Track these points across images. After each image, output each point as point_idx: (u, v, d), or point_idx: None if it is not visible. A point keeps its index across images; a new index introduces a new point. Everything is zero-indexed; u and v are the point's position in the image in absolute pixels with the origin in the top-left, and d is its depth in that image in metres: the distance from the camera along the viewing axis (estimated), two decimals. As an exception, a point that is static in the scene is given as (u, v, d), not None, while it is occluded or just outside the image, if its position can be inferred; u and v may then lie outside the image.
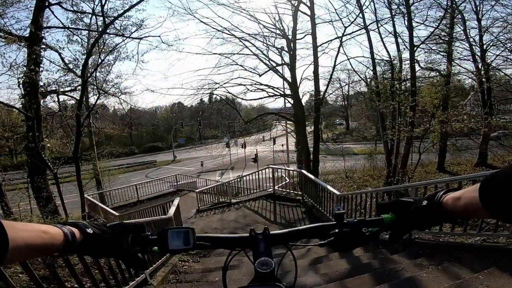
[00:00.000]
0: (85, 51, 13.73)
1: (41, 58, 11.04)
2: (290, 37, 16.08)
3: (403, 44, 16.41)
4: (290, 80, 16.50)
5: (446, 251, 4.48)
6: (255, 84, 16.73)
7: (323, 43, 16.86)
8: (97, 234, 0.95)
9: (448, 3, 15.51)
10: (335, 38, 16.72)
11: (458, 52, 17.50)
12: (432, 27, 16.19)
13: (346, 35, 16.41)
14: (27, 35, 10.60)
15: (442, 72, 17.25)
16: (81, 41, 14.39)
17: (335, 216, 1.08)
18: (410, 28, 15.36)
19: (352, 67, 18.95)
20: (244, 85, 16.78)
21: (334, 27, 21.81)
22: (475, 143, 17.93)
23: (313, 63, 16.03)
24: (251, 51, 16.69)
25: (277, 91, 17.27)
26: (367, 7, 16.59)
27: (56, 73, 13.33)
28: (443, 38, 16.58)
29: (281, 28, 16.38)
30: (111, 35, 13.63)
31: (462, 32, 16.90)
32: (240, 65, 16.91)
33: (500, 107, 20.09)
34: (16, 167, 15.52)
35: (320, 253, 5.77)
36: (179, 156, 52.61)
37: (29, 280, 2.83)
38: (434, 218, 0.96)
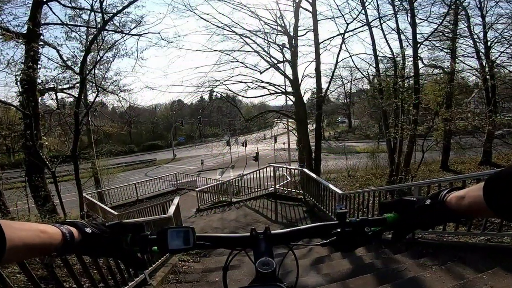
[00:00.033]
0: (83, 48, 13.70)
1: (39, 55, 11.02)
2: (291, 33, 16.04)
3: (406, 41, 16.41)
4: (291, 78, 16.47)
5: (449, 251, 4.48)
6: (256, 81, 16.70)
7: (325, 40, 16.82)
8: (95, 234, 0.95)
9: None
10: (337, 35, 16.68)
11: (462, 49, 17.46)
12: (436, 23, 16.15)
13: (348, 31, 16.34)
14: (25, 31, 10.60)
15: (445, 69, 17.21)
16: (80, 38, 14.35)
17: (337, 215, 1.08)
18: (413, 25, 15.34)
19: (354, 64, 19.04)
20: (245, 82, 16.75)
21: (336, 23, 21.73)
22: (479, 141, 17.91)
23: (314, 60, 16.00)
24: (252, 48, 16.66)
25: (278, 89, 17.25)
26: (370, 3, 16.55)
27: (54, 70, 13.29)
28: (446, 35, 16.55)
29: (283, 24, 16.35)
30: (110, 32, 13.60)
31: (466, 28, 16.85)
32: (241, 62, 16.86)
33: (505, 105, 20.09)
34: (14, 165, 15.54)
35: (322, 253, 5.78)
36: (179, 155, 52.65)
37: (27, 280, 2.84)
38: (438, 217, 0.96)
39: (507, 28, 15.78)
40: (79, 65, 12.48)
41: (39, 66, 11.24)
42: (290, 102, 18.82)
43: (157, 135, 69.60)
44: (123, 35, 13.70)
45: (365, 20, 16.25)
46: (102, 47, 13.13)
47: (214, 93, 18.86)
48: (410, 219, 1.02)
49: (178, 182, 22.54)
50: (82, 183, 14.46)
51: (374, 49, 16.62)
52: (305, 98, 18.95)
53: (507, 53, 16.25)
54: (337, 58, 16.55)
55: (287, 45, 16.44)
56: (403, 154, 16.01)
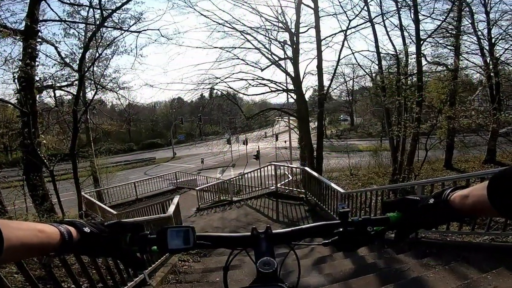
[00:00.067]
0: (82, 45, 13.71)
1: (37, 52, 11.02)
2: (293, 30, 16.03)
3: (409, 37, 16.35)
4: (293, 75, 16.46)
5: (453, 251, 4.48)
6: (257, 78, 16.73)
7: (327, 37, 16.88)
8: (94, 233, 0.95)
9: (456, -4, 15.45)
10: (339, 32, 16.72)
11: (465, 46, 17.46)
12: (439, 20, 16.11)
13: (350, 28, 16.36)
14: (23, 28, 10.58)
15: (449, 66, 17.18)
16: (78, 34, 14.39)
17: (339, 214, 1.08)
18: (417, 21, 15.29)
19: (356, 61, 19.05)
20: (246, 80, 16.78)
21: (338, 20, 21.67)
22: (483, 140, 17.87)
23: (316, 57, 16.00)
24: (253, 45, 16.68)
25: (279, 86, 17.26)
26: (372, -1, 16.55)
27: (52, 67, 13.34)
28: (450, 31, 16.51)
29: (284, 21, 16.34)
30: (109, 29, 13.64)
31: (470, 25, 16.84)
32: (242, 59, 16.90)
33: (509, 103, 20.00)
34: (11, 164, 15.63)
35: (324, 252, 5.78)
36: (178, 153, 52.67)
37: (25, 280, 2.83)
38: (441, 216, 0.96)
39: (511, 25, 15.77)
40: (78, 62, 12.49)
41: (37, 63, 11.26)
42: (291, 100, 18.83)
43: (157, 133, 69.57)
44: (122, 31, 13.73)
45: (367, 17, 16.22)
46: (101, 44, 13.16)
47: (215, 91, 18.92)
48: (413, 219, 1.02)
49: (178, 181, 22.50)
50: (81, 182, 14.47)
51: (377, 46, 16.58)
52: (307, 96, 18.97)
53: (511, 50, 16.25)
54: (339, 55, 16.61)
55: (289, 42, 16.44)
56: (406, 153, 15.99)
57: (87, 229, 0.94)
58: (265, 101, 22.57)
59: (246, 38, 16.53)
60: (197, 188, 15.22)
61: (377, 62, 17.18)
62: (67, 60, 13.42)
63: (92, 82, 14.36)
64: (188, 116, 64.96)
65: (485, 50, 16.88)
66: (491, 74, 16.20)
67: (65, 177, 15.67)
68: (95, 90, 14.21)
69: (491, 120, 13.85)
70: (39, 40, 11.56)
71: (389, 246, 5.35)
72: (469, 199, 0.86)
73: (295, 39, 16.01)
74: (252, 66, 17.03)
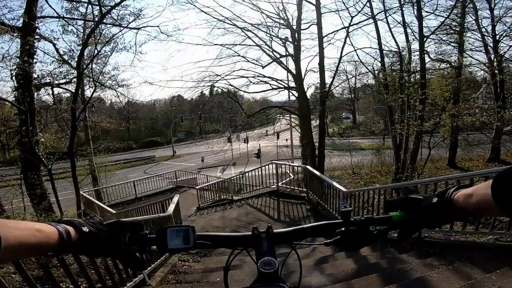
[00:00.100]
0: (80, 42, 13.67)
1: (34, 49, 11.01)
2: (294, 27, 16.02)
3: (412, 34, 16.34)
4: (294, 72, 16.47)
5: (457, 251, 4.48)
6: (258, 76, 16.74)
7: (329, 34, 16.84)
8: (93, 233, 0.95)
9: (460, -8, 15.43)
10: (342, 28, 16.68)
11: (469, 43, 17.41)
12: (443, 16, 16.06)
13: (353, 25, 16.33)
14: (20, 25, 10.60)
15: (453, 63, 17.18)
16: (77, 31, 14.33)
17: (341, 213, 1.08)
18: (420, 18, 15.26)
19: (359, 58, 19.07)
20: (247, 77, 16.78)
21: (340, 16, 21.77)
22: (487, 138, 17.84)
23: (318, 54, 15.99)
24: (253, 41, 16.68)
25: (281, 84, 17.27)
26: (375, -5, 16.51)
27: (50, 64, 13.30)
28: (454, 28, 16.49)
29: (285, 17, 16.34)
30: (108, 25, 13.63)
31: (474, 22, 16.78)
32: (243, 57, 16.90)
33: (514, 100, 20.03)
34: (9, 162, 15.64)
35: (326, 252, 5.78)
36: (178, 151, 52.69)
37: (22, 280, 2.84)
38: (445, 216, 0.96)
39: (516, 22, 15.75)
40: (76, 59, 12.50)
41: (35, 60, 11.23)
42: (293, 98, 18.82)
43: (156, 131, 69.52)
44: (121, 28, 13.76)
45: (370, 13, 16.21)
46: (99, 41, 13.15)
47: (215, 88, 18.83)
48: (416, 218, 1.02)
49: (177, 179, 22.52)
50: (79, 181, 14.44)
51: (380, 43, 16.57)
52: (309, 94, 18.99)
53: (516, 47, 16.23)
54: (341, 52, 16.58)
55: (290, 39, 16.44)
56: (409, 151, 15.97)
57: (85, 229, 0.94)
58: (266, 98, 22.55)
59: (247, 35, 16.55)
60: (197, 187, 15.21)
61: (379, 59, 17.20)
62: (66, 57, 13.45)
63: (91, 79, 14.39)
64: (188, 114, 64.89)
65: (489, 47, 16.84)
66: (496, 71, 16.21)
67: (64, 176, 15.71)
68: (93, 87, 14.26)
69: (495, 118, 13.85)
70: (37, 37, 11.57)
71: (392, 245, 5.35)
72: (473, 198, 0.85)
73: (296, 36, 16.01)
74: (253, 63, 17.05)
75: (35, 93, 12.26)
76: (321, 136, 16.78)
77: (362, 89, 48.21)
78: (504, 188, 0.73)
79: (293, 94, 17.82)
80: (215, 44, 17.00)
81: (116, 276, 3.98)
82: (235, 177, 14.61)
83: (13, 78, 10.25)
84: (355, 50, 18.07)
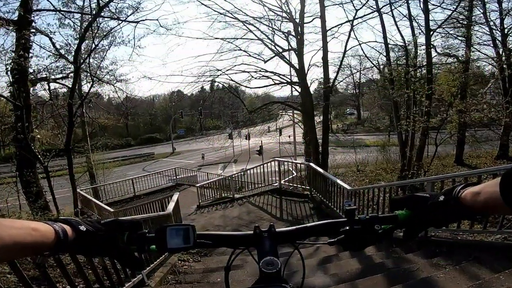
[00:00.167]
0: (77, 36, 13.69)
1: (30, 43, 11.03)
2: (297, 20, 15.96)
3: (418, 28, 16.35)
4: (297, 67, 16.43)
5: (464, 250, 4.48)
6: (260, 71, 16.72)
7: (333, 27, 16.80)
8: (90, 232, 0.95)
9: (467, -16, 15.39)
10: (346, 22, 16.66)
11: (477, 37, 17.42)
12: (450, 10, 16.05)
13: (357, 18, 16.32)
14: (16, 18, 10.58)
15: (460, 58, 17.16)
16: (74, 25, 14.33)
17: (345, 212, 1.08)
18: (426, 11, 15.24)
19: (364, 52, 18.95)
20: (248, 72, 16.78)
21: (344, 9, 21.74)
22: (495, 134, 17.84)
23: (322, 48, 15.97)
24: (255, 35, 16.65)
25: (283, 79, 17.24)
26: (381, -12, 16.46)
27: (46, 59, 13.30)
28: (461, 21, 16.46)
29: (288, 10, 16.28)
30: (106, 19, 13.60)
31: (481, 15, 16.76)
32: (244, 51, 16.89)
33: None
34: (4, 160, 15.63)
35: (330, 252, 5.79)
36: (178, 148, 52.71)
37: (18, 281, 2.85)
38: (452, 214, 0.96)
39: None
40: (73, 53, 12.51)
41: (30, 54, 11.28)
42: (296, 93, 18.86)
43: (156, 127, 69.44)
44: (120, 22, 13.73)
45: (375, 6, 16.19)
46: (97, 34, 13.13)
47: (216, 83, 18.84)
48: (422, 216, 1.02)
49: (177, 177, 22.50)
50: (76, 179, 14.49)
51: (385, 37, 16.55)
52: (312, 89, 19.02)
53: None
54: (346, 47, 16.60)
55: (293, 33, 16.41)
56: (415, 148, 15.99)
57: (82, 228, 0.93)
58: (268, 94, 22.52)
59: (248, 29, 16.52)
60: (198, 185, 15.21)
61: (385, 54, 17.19)
62: (62, 51, 13.46)
63: (88, 74, 14.37)
64: (188, 110, 64.77)
65: (497, 41, 16.81)
66: (504, 66, 16.13)
67: (60, 173, 15.68)
68: (91, 82, 14.20)
69: (503, 114, 13.84)
70: (33, 30, 11.57)
71: (398, 245, 5.35)
72: (481, 196, 0.85)
73: (299, 29, 15.97)
74: (255, 57, 17.04)
75: (31, 88, 12.28)
76: (325, 132, 16.76)
77: (367, 84, 48.23)
78: (513, 186, 0.73)
79: (296, 90, 17.86)
80: (216, 38, 17.00)
81: (114, 276, 3.99)
82: (236, 175, 14.60)
83: (8, 73, 10.23)
84: (360, 44, 18.09)
